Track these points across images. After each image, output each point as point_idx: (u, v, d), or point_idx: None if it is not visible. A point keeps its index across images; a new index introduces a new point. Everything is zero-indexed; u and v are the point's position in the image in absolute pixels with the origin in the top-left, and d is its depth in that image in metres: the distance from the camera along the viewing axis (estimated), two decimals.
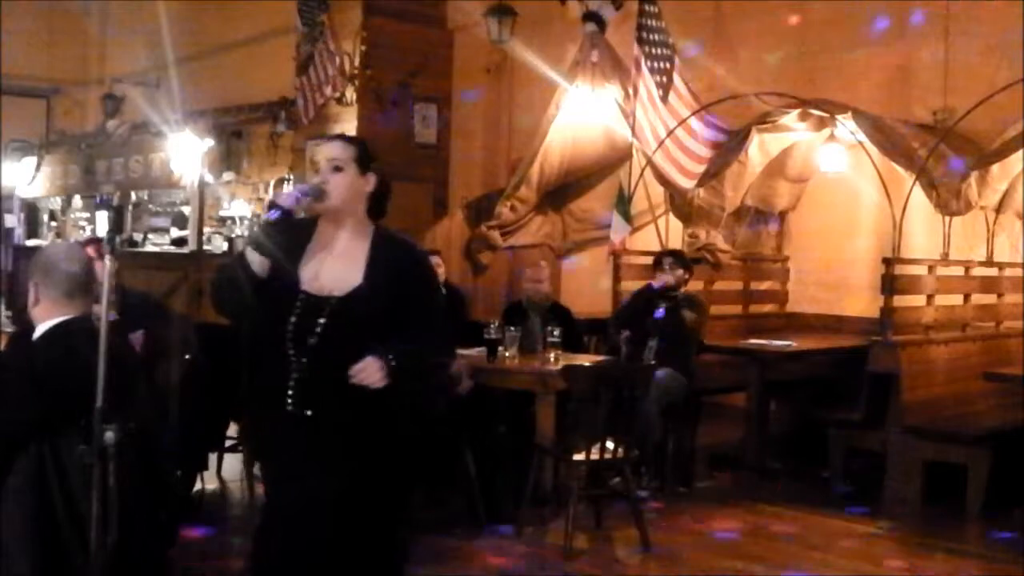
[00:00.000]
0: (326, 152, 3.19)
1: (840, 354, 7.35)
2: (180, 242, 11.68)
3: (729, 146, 7.68)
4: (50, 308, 3.11)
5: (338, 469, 3.04)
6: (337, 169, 3.15)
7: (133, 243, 12.07)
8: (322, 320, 3.04)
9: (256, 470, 5.44)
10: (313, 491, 3.03)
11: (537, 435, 5.80)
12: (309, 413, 3.03)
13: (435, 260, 7.02)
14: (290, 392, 3.03)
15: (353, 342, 3.01)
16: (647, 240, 8.28)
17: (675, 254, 7.16)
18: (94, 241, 6.36)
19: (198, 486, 5.86)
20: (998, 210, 7.65)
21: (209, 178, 11.02)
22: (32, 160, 13.31)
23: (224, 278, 3.11)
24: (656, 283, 6.87)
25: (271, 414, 3.11)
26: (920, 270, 6.98)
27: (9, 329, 7.44)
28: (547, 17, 9.50)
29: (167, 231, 12.22)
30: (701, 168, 7.69)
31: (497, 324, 6.31)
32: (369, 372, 2.95)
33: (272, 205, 3.06)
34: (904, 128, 7.20)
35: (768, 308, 8.85)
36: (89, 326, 3.05)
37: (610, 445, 5.37)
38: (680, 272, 6.98)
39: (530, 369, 6.11)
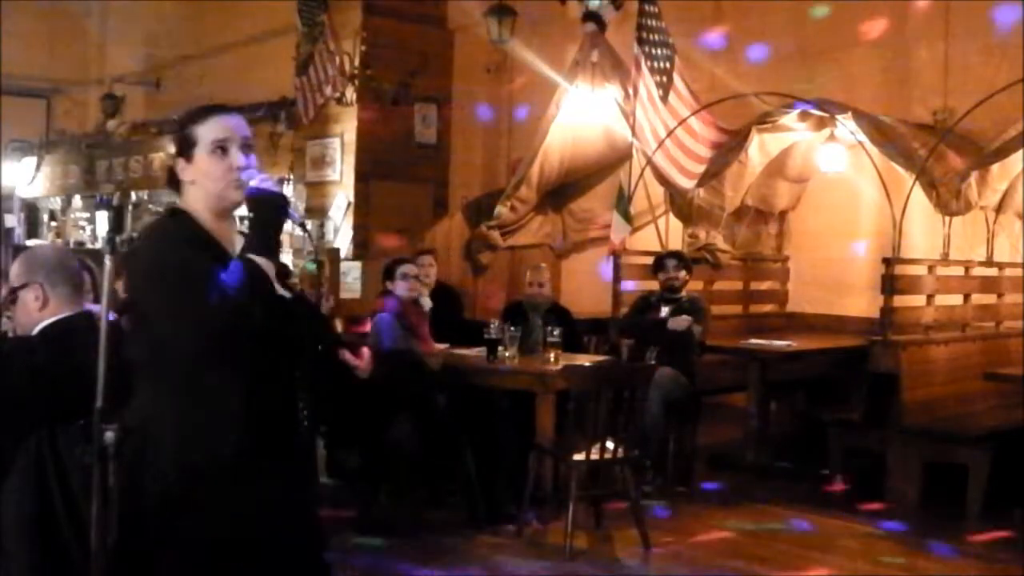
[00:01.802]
0: (240, 129, 2.64)
1: (840, 354, 7.35)
2: None
3: (729, 146, 7.67)
4: (56, 307, 3.12)
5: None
6: (251, 150, 2.64)
7: (133, 243, 12.05)
8: (312, 325, 2.73)
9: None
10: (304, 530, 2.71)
11: (537, 435, 5.81)
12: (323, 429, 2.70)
13: (427, 260, 7.04)
14: (303, 410, 2.67)
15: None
16: (647, 240, 8.29)
17: (677, 255, 7.17)
18: None
19: None
20: (998, 210, 7.65)
21: None
22: (32, 160, 13.32)
23: (244, 298, 2.48)
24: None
25: (266, 441, 2.60)
26: (920, 270, 6.98)
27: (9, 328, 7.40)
28: (547, 17, 9.49)
29: None
30: (701, 168, 7.69)
31: (497, 324, 6.32)
32: (369, 360, 2.74)
33: (284, 200, 2.58)
34: (904, 128, 7.20)
35: (768, 308, 8.86)
36: (88, 323, 3.05)
37: (610, 445, 5.37)
38: (683, 274, 7.00)
39: (530, 369, 6.11)
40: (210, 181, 2.59)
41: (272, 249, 2.55)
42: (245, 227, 2.61)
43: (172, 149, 2.71)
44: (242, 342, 2.50)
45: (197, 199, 2.62)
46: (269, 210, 2.56)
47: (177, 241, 2.55)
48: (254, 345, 2.53)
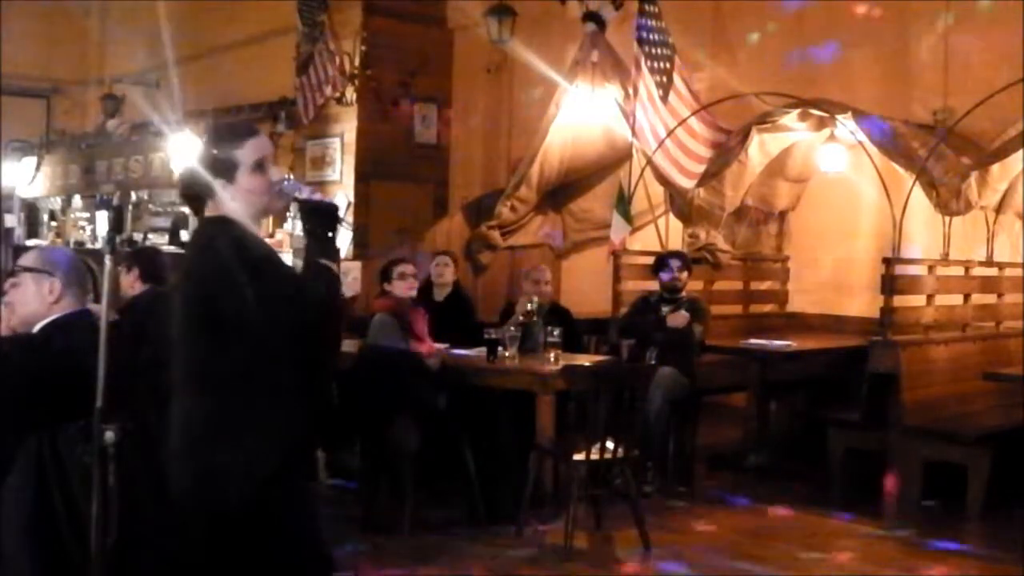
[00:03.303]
0: (269, 147, 2.97)
1: (840, 354, 7.35)
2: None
3: (729, 146, 7.67)
4: (66, 305, 3.13)
5: None
6: (275, 163, 3.03)
7: (133, 243, 12.06)
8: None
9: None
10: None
11: (537, 435, 5.81)
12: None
13: (444, 260, 7.08)
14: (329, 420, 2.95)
15: None
16: (647, 240, 8.29)
17: (679, 255, 7.16)
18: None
19: None
20: (998, 210, 7.64)
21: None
22: (32, 160, 13.31)
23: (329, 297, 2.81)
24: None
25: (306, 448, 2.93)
26: (920, 270, 6.98)
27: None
28: (547, 17, 9.50)
29: (167, 231, 12.21)
30: (701, 168, 7.69)
31: (501, 324, 6.34)
32: None
33: (337, 209, 2.90)
34: (904, 128, 7.20)
35: (768, 308, 8.85)
36: (88, 323, 3.06)
37: (610, 445, 5.37)
38: (685, 274, 7.00)
39: (530, 369, 6.11)
40: (255, 197, 2.84)
41: (336, 255, 2.82)
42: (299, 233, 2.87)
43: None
44: (317, 340, 2.77)
45: (238, 211, 2.83)
46: (327, 220, 2.84)
47: (252, 241, 2.77)
48: (319, 342, 2.81)
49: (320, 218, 2.83)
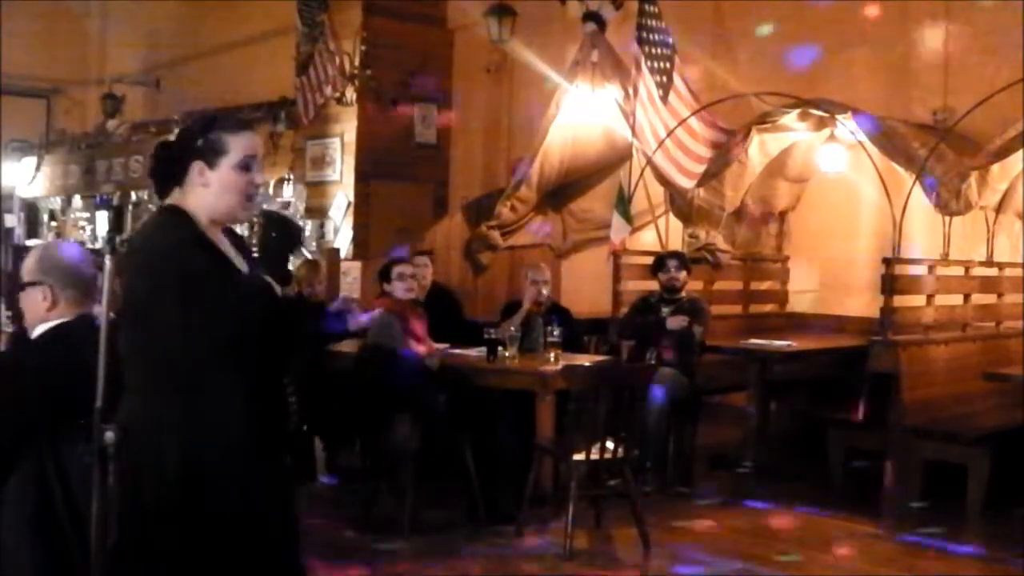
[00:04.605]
0: (260, 149, 2.75)
1: (840, 354, 7.35)
2: None
3: (729, 146, 7.67)
4: (64, 309, 3.12)
5: None
6: (261, 168, 2.78)
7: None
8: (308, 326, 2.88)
9: None
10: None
11: (537, 435, 5.81)
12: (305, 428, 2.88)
13: (423, 260, 7.06)
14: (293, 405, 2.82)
15: None
16: (647, 240, 8.28)
17: (677, 256, 7.16)
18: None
19: None
20: (998, 210, 7.64)
21: None
22: (32, 160, 13.32)
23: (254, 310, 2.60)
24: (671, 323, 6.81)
25: (264, 437, 2.69)
26: (920, 270, 6.98)
27: (9, 329, 7.41)
28: (547, 17, 9.50)
29: None
30: (701, 168, 7.68)
31: (500, 324, 6.34)
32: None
33: (300, 230, 2.87)
34: (904, 128, 7.20)
35: (768, 308, 8.85)
36: (90, 324, 3.05)
37: (610, 445, 5.37)
38: (683, 274, 6.99)
39: (530, 369, 6.11)
40: (228, 193, 2.64)
41: (283, 272, 2.65)
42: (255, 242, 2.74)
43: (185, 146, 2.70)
44: (248, 345, 2.56)
45: (202, 204, 2.64)
46: (287, 237, 2.69)
47: (182, 242, 2.56)
48: (257, 347, 2.59)
49: (284, 234, 2.76)
